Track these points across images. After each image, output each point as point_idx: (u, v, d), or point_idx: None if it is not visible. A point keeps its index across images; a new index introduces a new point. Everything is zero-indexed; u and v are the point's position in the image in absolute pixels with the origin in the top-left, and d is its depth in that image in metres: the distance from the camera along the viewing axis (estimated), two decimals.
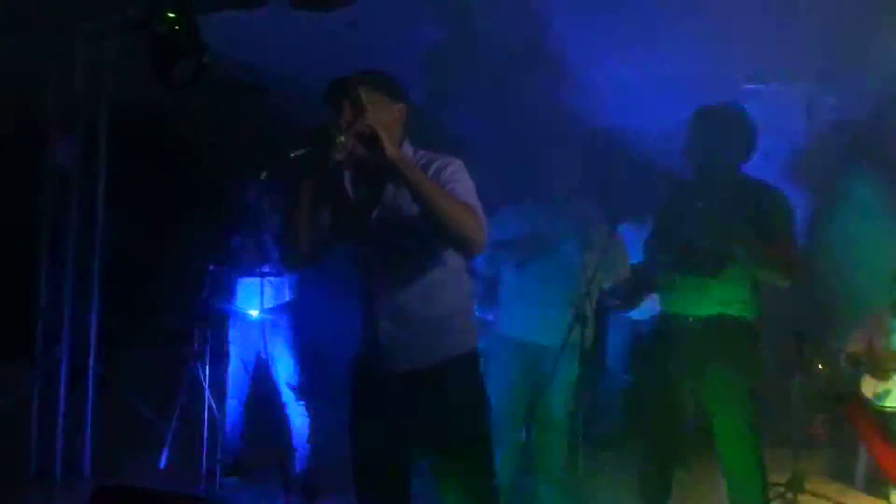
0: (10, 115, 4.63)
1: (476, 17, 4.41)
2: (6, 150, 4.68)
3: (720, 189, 2.81)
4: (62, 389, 4.06)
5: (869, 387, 4.05)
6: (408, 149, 2.19)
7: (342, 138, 1.98)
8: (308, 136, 1.99)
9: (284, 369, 3.86)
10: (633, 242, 3.48)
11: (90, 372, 4.12)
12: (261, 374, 3.96)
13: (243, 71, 5.13)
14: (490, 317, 3.73)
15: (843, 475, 4.23)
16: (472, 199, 2.11)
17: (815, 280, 5.36)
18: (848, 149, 5.40)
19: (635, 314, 4.36)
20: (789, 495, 3.91)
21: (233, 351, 3.94)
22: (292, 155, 1.97)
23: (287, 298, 3.90)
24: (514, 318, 3.50)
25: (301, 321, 3.88)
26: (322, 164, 2.01)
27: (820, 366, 4.27)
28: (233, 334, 3.95)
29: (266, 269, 3.80)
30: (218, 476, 3.41)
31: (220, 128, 5.44)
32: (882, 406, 3.96)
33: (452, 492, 2.14)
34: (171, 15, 3.47)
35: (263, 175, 2.26)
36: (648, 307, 3.42)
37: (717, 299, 2.84)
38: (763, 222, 2.75)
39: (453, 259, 2.18)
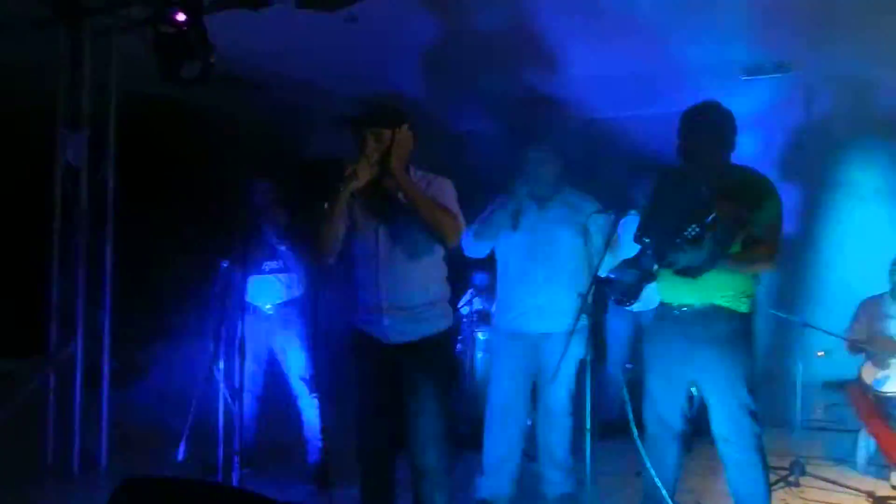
0: (20, 113, 4.66)
1: (469, 12, 4.44)
2: (16, 148, 4.71)
3: (709, 180, 2.89)
4: (78, 385, 4.12)
5: (869, 373, 4.13)
6: (413, 171, 2.83)
7: (369, 168, 2.67)
8: (345, 167, 2.67)
9: (296, 363, 3.92)
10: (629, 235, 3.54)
11: (105, 367, 4.18)
12: (273, 368, 4.02)
13: (243, 67, 5.17)
14: (493, 308, 3.80)
15: (845, 458, 4.31)
16: (453, 206, 2.81)
17: (815, 267, 5.47)
18: (845, 136, 5.45)
19: (637, 306, 4.44)
20: (792, 478, 3.99)
21: (246, 345, 3.99)
22: (341, 188, 2.65)
23: (297, 294, 3.96)
24: (509, 310, 3.57)
25: (311, 316, 3.95)
26: (352, 186, 2.67)
27: (819, 353, 4.36)
28: (245, 329, 3.99)
29: (276, 265, 3.85)
30: (236, 467, 3.47)
31: (227, 124, 5.47)
32: (882, 391, 4.05)
33: (420, 422, 2.80)
34: (180, 17, 3.52)
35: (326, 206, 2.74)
36: (649, 298, 3.49)
37: (708, 288, 2.91)
38: (751, 210, 2.84)
39: (437, 264, 2.87)
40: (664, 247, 2.88)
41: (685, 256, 2.80)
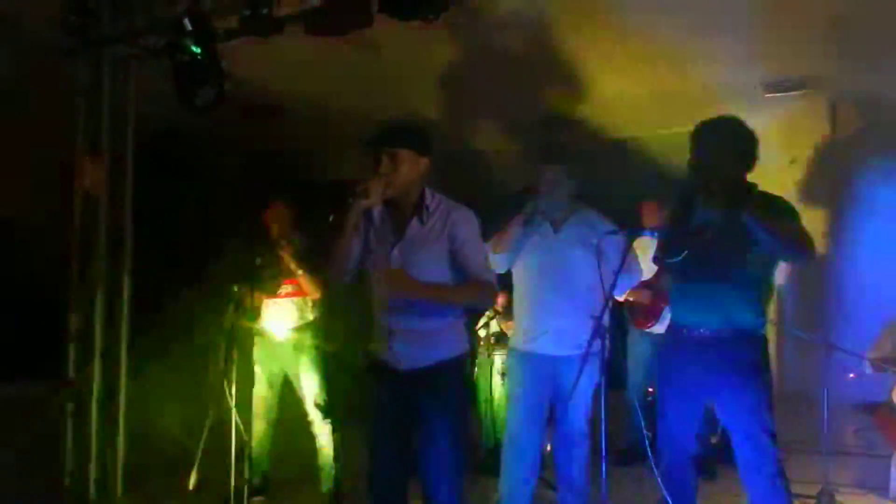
0: (39, 140, 4.76)
1: (490, 37, 4.44)
2: (35, 175, 4.81)
3: (725, 196, 2.83)
4: (94, 410, 4.13)
5: None
6: (428, 195, 2.74)
7: (381, 186, 2.59)
8: (357, 184, 2.59)
9: (310, 388, 3.90)
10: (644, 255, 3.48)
11: (122, 392, 4.19)
12: (287, 393, 4.00)
13: (263, 92, 5.22)
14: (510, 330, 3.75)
15: (876, 485, 4.14)
16: (482, 271, 2.72)
17: (843, 286, 5.33)
18: (870, 153, 5.33)
19: (658, 327, 4.36)
20: None
21: (259, 370, 3.99)
22: (351, 202, 2.58)
23: (311, 318, 3.94)
24: (525, 332, 3.52)
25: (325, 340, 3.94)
26: (363, 204, 2.62)
27: (851, 374, 4.22)
28: (259, 353, 4.00)
29: (291, 289, 3.85)
30: (246, 495, 3.45)
31: (244, 148, 5.54)
32: None
33: (431, 452, 2.71)
34: (193, 46, 3.58)
35: (331, 219, 2.68)
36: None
37: (726, 309, 2.83)
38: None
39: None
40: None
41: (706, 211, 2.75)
